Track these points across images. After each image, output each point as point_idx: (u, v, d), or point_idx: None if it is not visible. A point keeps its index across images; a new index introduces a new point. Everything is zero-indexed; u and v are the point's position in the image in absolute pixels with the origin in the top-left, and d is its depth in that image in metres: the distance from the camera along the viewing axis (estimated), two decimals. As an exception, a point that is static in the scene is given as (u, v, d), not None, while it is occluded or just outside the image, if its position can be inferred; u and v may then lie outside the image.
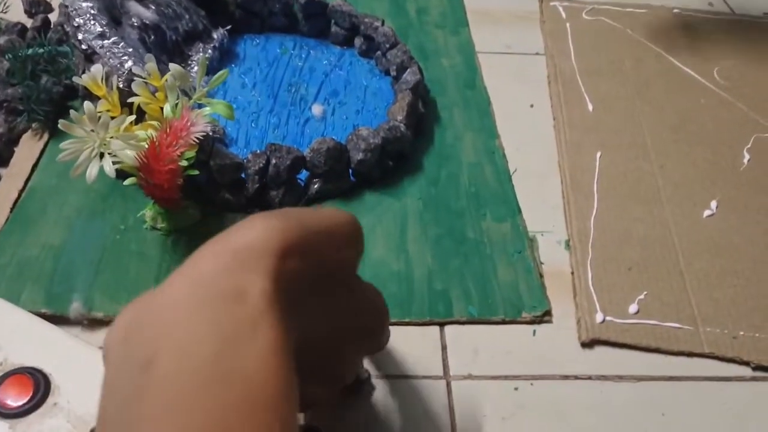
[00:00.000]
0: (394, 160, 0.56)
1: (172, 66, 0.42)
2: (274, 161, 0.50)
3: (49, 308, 0.44)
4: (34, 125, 0.57)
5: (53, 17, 0.68)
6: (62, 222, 0.50)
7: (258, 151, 0.50)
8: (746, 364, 0.45)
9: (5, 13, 0.69)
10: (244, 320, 0.21)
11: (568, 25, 0.75)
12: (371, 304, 0.33)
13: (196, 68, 0.62)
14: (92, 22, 0.49)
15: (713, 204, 0.55)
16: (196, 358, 0.20)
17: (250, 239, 0.24)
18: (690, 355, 0.45)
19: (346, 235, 0.29)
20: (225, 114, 0.44)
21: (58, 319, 0.43)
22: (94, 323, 0.44)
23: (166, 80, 0.42)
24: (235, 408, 0.19)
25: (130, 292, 0.46)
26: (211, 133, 0.55)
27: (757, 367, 0.45)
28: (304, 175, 0.53)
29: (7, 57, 0.60)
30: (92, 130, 0.40)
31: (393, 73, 0.63)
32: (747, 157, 0.60)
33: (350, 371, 0.35)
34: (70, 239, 0.48)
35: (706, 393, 0.44)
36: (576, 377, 0.44)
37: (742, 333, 0.46)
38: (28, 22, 0.68)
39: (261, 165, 0.50)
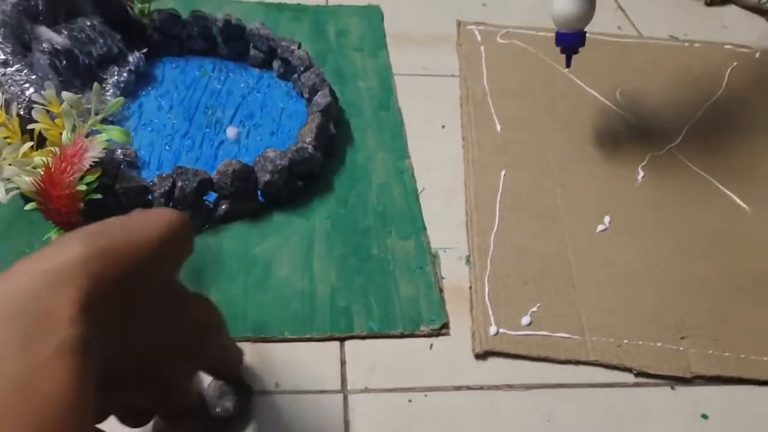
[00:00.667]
0: (304, 181, 0.58)
1: (65, 94, 0.43)
2: (180, 184, 0.51)
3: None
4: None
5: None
6: (-36, 247, 0.50)
7: (164, 174, 0.51)
8: (629, 370, 0.48)
9: None
10: (49, 345, 0.22)
11: (482, 48, 0.78)
12: (194, 321, 0.33)
13: (110, 91, 0.63)
14: (-6, 50, 0.50)
15: (607, 219, 0.58)
16: None
17: (61, 261, 0.24)
18: (577, 363, 0.48)
19: (167, 242, 0.29)
20: (120, 139, 0.45)
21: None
22: None
23: (62, 108, 0.43)
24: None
25: (29, 316, 0.46)
26: (122, 157, 0.55)
27: (639, 373, 0.48)
28: (213, 196, 0.54)
29: None
30: (-15, 158, 0.41)
31: (306, 96, 0.65)
32: (642, 174, 0.63)
33: (180, 388, 0.35)
34: (-29, 265, 0.48)
35: (591, 399, 0.46)
36: (468, 388, 0.46)
37: (625, 341, 0.49)
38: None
39: (167, 188, 0.51)
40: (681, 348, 0.49)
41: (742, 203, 0.61)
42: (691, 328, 0.50)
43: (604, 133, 0.67)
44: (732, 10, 0.93)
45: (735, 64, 0.79)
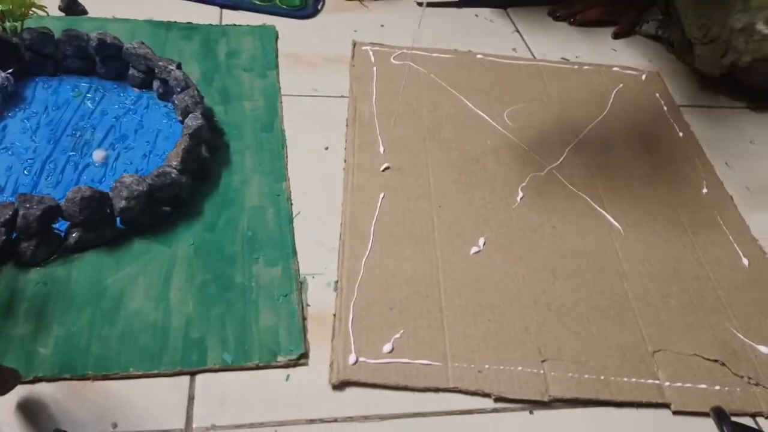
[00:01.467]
0: (171, 206, 0.56)
1: None
2: (22, 212, 0.48)
3: None
4: None
5: None
6: None
7: (5, 202, 0.48)
8: (488, 396, 0.47)
9: None
10: None
11: (375, 69, 0.78)
12: None
13: (-32, 113, 0.60)
14: None
15: (481, 241, 0.58)
16: None
17: None
18: (437, 390, 0.47)
19: None
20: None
21: None
22: None
23: None
24: None
25: None
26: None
27: (498, 399, 0.47)
28: (64, 224, 0.51)
29: None
30: None
31: (180, 118, 0.63)
32: (521, 194, 0.64)
33: None
34: None
35: (449, 427, 0.45)
36: (322, 420, 0.45)
37: (487, 366, 0.48)
38: None
39: (8, 216, 0.48)
40: (542, 371, 0.49)
41: (616, 223, 0.62)
42: (553, 351, 0.50)
43: (488, 155, 0.68)
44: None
45: (621, 86, 0.81)
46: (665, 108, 0.79)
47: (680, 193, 0.67)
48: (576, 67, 0.84)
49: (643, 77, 0.84)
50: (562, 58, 0.87)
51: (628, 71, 0.85)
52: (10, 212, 0.48)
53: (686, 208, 0.65)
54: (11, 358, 0.44)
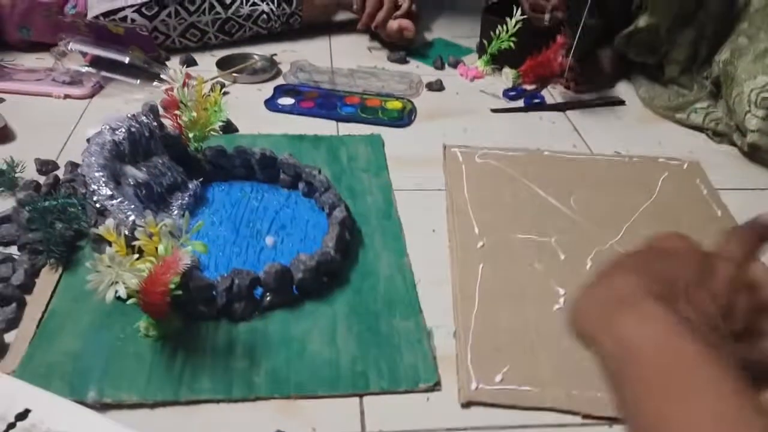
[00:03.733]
0: (328, 276, 0.75)
1: (167, 220, 0.61)
2: (237, 281, 0.69)
3: (72, 397, 0.60)
4: (51, 261, 0.74)
5: (60, 174, 0.88)
6: (77, 334, 0.67)
7: (225, 275, 0.69)
8: (577, 414, 0.63)
9: (21, 172, 0.88)
10: None
11: (463, 166, 0.98)
12: None
13: (176, 212, 0.82)
14: (104, 188, 0.69)
15: (562, 300, 0.75)
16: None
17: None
18: (537, 409, 0.64)
19: None
20: (201, 250, 0.63)
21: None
22: (105, 406, 0.60)
23: (160, 228, 0.61)
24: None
25: (130, 383, 0.62)
26: (190, 262, 0.73)
27: (585, 416, 0.63)
28: (259, 291, 0.72)
29: (27, 209, 0.79)
30: (109, 266, 0.59)
31: (326, 211, 0.84)
32: (590, 264, 0.81)
33: None
34: (84, 347, 0.65)
35: (549, 436, 0.62)
36: (456, 429, 0.62)
37: (574, 391, 0.65)
38: (41, 178, 0.87)
39: (227, 285, 0.69)
40: (616, 396, 0.65)
41: (668, 285, 0.79)
42: (624, 381, 0.66)
43: (561, 232, 0.86)
44: (668, 127, 1.15)
45: (666, 174, 0.99)
46: (705, 192, 0.96)
47: (720, 260, 0.83)
48: (627, 159, 1.03)
49: (685, 166, 1.02)
50: (615, 152, 1.06)
51: (672, 161, 1.03)
52: (229, 282, 0.69)
53: (725, 272, 0.81)
54: (237, 383, 0.63)
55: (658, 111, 1.18)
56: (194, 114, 0.87)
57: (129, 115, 0.81)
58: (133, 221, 0.67)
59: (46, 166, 0.91)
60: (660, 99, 1.18)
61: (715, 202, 0.94)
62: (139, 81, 1.13)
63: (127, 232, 0.65)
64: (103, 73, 1.14)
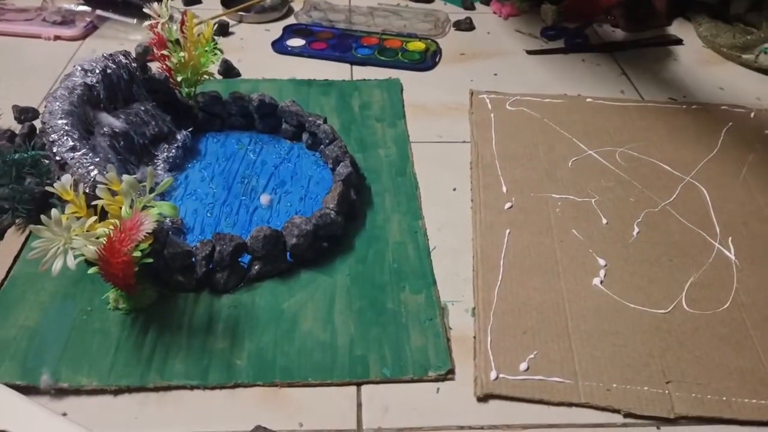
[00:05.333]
0: (328, 242, 0.65)
1: (125, 177, 0.51)
2: (218, 248, 0.59)
3: (22, 380, 0.52)
4: (17, 221, 0.66)
5: (39, 123, 0.79)
6: (38, 306, 0.58)
7: (205, 240, 0.60)
8: (617, 412, 0.53)
9: (-2, 120, 0.80)
10: None
11: (492, 115, 0.86)
12: None
13: (161, 165, 0.72)
14: (65, 138, 0.59)
15: (602, 273, 0.64)
16: None
17: None
18: (569, 405, 0.53)
19: None
20: (170, 213, 0.53)
21: (30, 390, 0.52)
22: (60, 392, 0.52)
23: (121, 188, 0.52)
24: None
25: (91, 365, 0.54)
26: (170, 224, 0.64)
27: (627, 414, 0.52)
28: (247, 258, 0.62)
29: (-4, 161, 0.70)
30: (57, 232, 0.49)
31: (330, 165, 0.73)
32: (637, 230, 0.69)
33: None
34: (43, 321, 0.57)
35: (582, 438, 0.51)
36: (470, 428, 0.52)
37: (615, 385, 0.54)
38: (18, 128, 0.79)
39: (207, 251, 0.59)
40: (666, 392, 0.54)
41: (732, 257, 0.66)
42: (677, 374, 0.55)
43: (603, 193, 0.73)
44: (733, 70, 0.99)
45: (730, 124, 0.85)
46: (776, 144, 0.82)
47: (795, 227, 0.70)
48: (684, 107, 0.89)
49: (752, 115, 0.87)
50: (670, 98, 0.92)
51: (737, 109, 0.88)
52: (209, 248, 0.59)
53: (802, 241, 0.68)
54: (215, 367, 0.54)
55: (722, 51, 1.02)
56: (184, 55, 0.76)
57: (105, 55, 0.71)
58: (94, 177, 0.57)
59: (25, 114, 0.82)
60: (724, 37, 1.03)
61: (789, 158, 0.80)
62: (136, 20, 1.03)
63: (87, 190, 0.56)
64: (98, 12, 1.04)
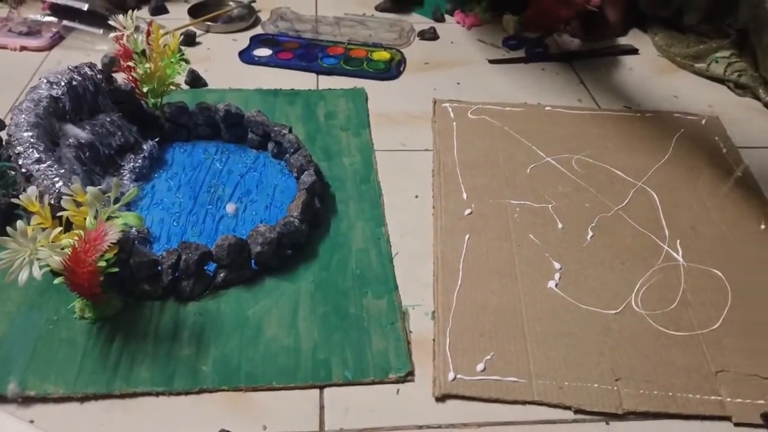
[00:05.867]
0: (293, 249, 0.67)
1: (89, 188, 0.52)
2: (184, 257, 0.60)
3: (-12, 390, 0.53)
4: (-17, 232, 0.66)
5: (5, 135, 0.79)
6: (4, 316, 0.59)
7: (171, 249, 0.61)
8: (569, 408, 0.55)
9: (-37, 131, 0.80)
10: None
11: (454, 124, 0.88)
12: None
13: (127, 176, 0.73)
14: (30, 150, 0.60)
15: (557, 276, 0.66)
16: None
17: None
18: (524, 403, 0.55)
19: None
20: (135, 223, 0.55)
21: (-3, 399, 0.52)
22: (27, 400, 0.53)
23: (86, 199, 0.53)
24: None
25: (57, 373, 0.55)
26: (136, 234, 0.65)
27: (578, 411, 0.55)
28: (212, 266, 0.63)
29: (-39, 172, 0.70)
30: (23, 243, 0.50)
31: (295, 175, 0.75)
32: (591, 234, 0.72)
33: None
34: (10, 330, 0.58)
35: (536, 434, 0.54)
36: (429, 427, 0.54)
37: (567, 383, 0.56)
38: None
39: (173, 260, 0.60)
40: (615, 388, 0.56)
41: (680, 259, 0.69)
42: (625, 371, 0.58)
43: (559, 198, 0.76)
44: (686, 79, 1.03)
45: (682, 131, 0.88)
46: (724, 150, 0.86)
47: (739, 230, 0.73)
48: (638, 114, 0.92)
49: (703, 122, 0.91)
50: (625, 106, 0.95)
51: (689, 116, 0.92)
52: (175, 257, 0.60)
53: (746, 243, 0.72)
54: (180, 373, 0.55)
55: (676, 60, 1.06)
56: (150, 66, 0.78)
57: (70, 67, 0.72)
58: (59, 189, 0.58)
59: (-10, 126, 0.82)
60: (678, 47, 1.07)
61: (735, 162, 0.84)
62: (102, 31, 1.03)
63: (52, 201, 0.57)
64: (64, 23, 1.05)
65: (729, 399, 0.56)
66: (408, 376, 0.57)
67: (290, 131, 0.78)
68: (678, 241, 0.72)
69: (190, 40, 1.04)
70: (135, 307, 0.61)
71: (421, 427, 0.54)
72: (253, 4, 1.15)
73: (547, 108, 0.93)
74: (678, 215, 0.75)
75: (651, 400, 0.56)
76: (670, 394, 0.56)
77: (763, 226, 0.74)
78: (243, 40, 1.07)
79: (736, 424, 0.55)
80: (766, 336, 0.62)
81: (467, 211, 0.74)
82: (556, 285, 0.66)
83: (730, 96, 0.99)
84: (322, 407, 0.55)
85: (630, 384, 0.57)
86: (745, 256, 0.70)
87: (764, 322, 0.63)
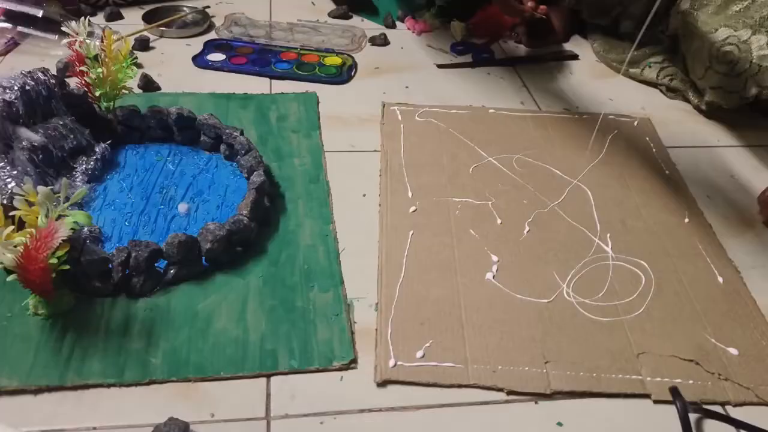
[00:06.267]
0: (242, 246, 0.69)
1: (40, 188, 0.54)
2: (134, 254, 0.62)
3: (-60, 385, 0.54)
4: (-66, 233, 0.67)
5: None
6: (-45, 314, 0.60)
7: (121, 247, 0.63)
8: (501, 390, 0.59)
9: None
10: None
11: (402, 126, 0.92)
12: None
13: (80, 177, 0.75)
14: (-18, 152, 0.62)
15: (494, 268, 0.70)
16: None
17: None
18: (459, 386, 0.59)
19: None
20: (84, 221, 0.57)
21: (-52, 394, 0.54)
22: (-21, 395, 0.55)
23: (37, 198, 0.55)
24: None
25: (11, 367, 0.56)
26: (87, 233, 0.67)
27: (510, 392, 0.59)
28: (163, 263, 0.66)
29: None
30: (-25, 241, 0.52)
31: (246, 175, 0.78)
32: (527, 229, 0.76)
33: None
34: (-39, 328, 0.59)
35: (470, 415, 0.57)
36: (370, 410, 0.57)
37: (500, 367, 0.60)
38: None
39: (123, 258, 0.62)
40: (544, 371, 0.60)
41: (609, 251, 0.74)
42: (554, 355, 0.62)
43: (499, 196, 0.80)
44: (621, 83, 1.09)
45: (615, 132, 0.94)
46: (654, 150, 0.91)
47: (665, 224, 0.78)
48: (576, 116, 0.97)
49: (635, 123, 0.97)
50: (564, 109, 1.00)
51: (622, 118, 0.97)
52: (125, 254, 0.62)
53: (670, 236, 0.77)
54: (131, 366, 0.58)
55: (612, 65, 1.12)
56: (102, 70, 0.79)
57: (23, 72, 0.73)
58: (11, 189, 0.60)
59: (-59, 129, 0.83)
60: (614, 52, 1.13)
61: (663, 161, 0.89)
62: (57, 36, 1.04)
63: (5, 201, 0.59)
64: (19, 28, 1.05)
65: (649, 378, 0.61)
66: (351, 364, 0.60)
67: (242, 133, 0.81)
68: (608, 234, 0.76)
69: (144, 45, 1.06)
70: (87, 304, 0.63)
71: (362, 411, 0.57)
72: (207, 10, 1.18)
73: (491, 110, 0.97)
74: (609, 211, 0.80)
75: (577, 380, 0.60)
76: (595, 375, 0.61)
77: (686, 220, 0.79)
78: (197, 45, 1.09)
79: (655, 401, 0.59)
80: (684, 321, 0.67)
81: (412, 209, 0.78)
82: (494, 277, 0.70)
83: (661, 99, 1.05)
84: (268, 395, 0.57)
85: (558, 366, 0.61)
86: (668, 248, 0.75)
87: (683, 308, 0.68)
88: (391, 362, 0.60)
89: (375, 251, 0.72)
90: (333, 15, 1.22)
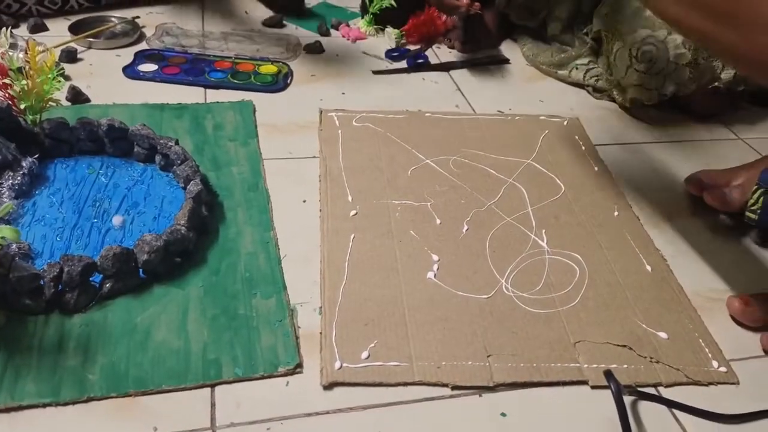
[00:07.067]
0: (181, 257, 0.68)
1: (-37, 204, 0.52)
2: (66, 269, 0.61)
3: None
4: None
5: None
6: None
7: (53, 262, 0.61)
8: (446, 385, 0.60)
9: None
10: None
11: (340, 131, 0.93)
12: None
13: (6, 193, 0.72)
14: None
15: (435, 267, 0.72)
16: None
17: None
18: (405, 384, 0.60)
19: None
20: (11, 236, 0.55)
21: None
22: None
23: (-40, 214, 0.53)
24: None
25: (-65, 393, 0.54)
26: (16, 250, 0.65)
27: (454, 387, 0.60)
28: (99, 277, 0.64)
29: None
30: None
31: (182, 185, 0.76)
32: (466, 227, 0.78)
33: None
34: None
35: (417, 411, 0.58)
36: (317, 413, 0.57)
37: (444, 363, 0.61)
38: None
39: (55, 273, 0.60)
40: (487, 364, 0.62)
41: (545, 245, 0.77)
42: (496, 348, 0.63)
43: (438, 196, 0.82)
44: (551, 85, 1.13)
45: (546, 132, 0.97)
46: (583, 148, 0.95)
47: (596, 217, 0.82)
48: (509, 118, 1.00)
49: (565, 123, 1.00)
50: (498, 111, 1.03)
51: (553, 119, 1.01)
52: (57, 270, 0.60)
53: (601, 228, 0.80)
54: (67, 384, 0.56)
55: (541, 68, 1.16)
56: (26, 83, 0.77)
57: (-60, 85, 0.70)
58: (-69, 206, 0.57)
59: None
60: (543, 56, 1.17)
61: (592, 159, 0.93)
62: (-23, 49, 1.00)
63: (-76, 220, 0.56)
64: (-66, 41, 1.00)
65: (586, 365, 0.63)
66: (297, 369, 0.60)
67: (177, 143, 0.80)
68: (543, 230, 0.79)
69: (71, 56, 1.03)
70: (18, 322, 0.60)
71: (309, 415, 0.57)
72: (136, 20, 1.15)
73: (427, 114, 0.99)
74: (543, 207, 0.82)
75: (518, 371, 0.62)
76: (535, 365, 0.62)
77: (616, 213, 0.83)
78: (127, 55, 1.07)
79: (593, 387, 0.61)
80: (617, 309, 0.69)
81: (352, 213, 0.78)
82: (435, 275, 0.71)
83: (589, 99, 1.09)
84: (213, 404, 0.57)
85: (500, 359, 0.62)
86: (600, 241, 0.78)
87: (615, 297, 0.71)
88: (337, 364, 0.60)
89: (317, 256, 0.72)
90: (267, 23, 1.22)
